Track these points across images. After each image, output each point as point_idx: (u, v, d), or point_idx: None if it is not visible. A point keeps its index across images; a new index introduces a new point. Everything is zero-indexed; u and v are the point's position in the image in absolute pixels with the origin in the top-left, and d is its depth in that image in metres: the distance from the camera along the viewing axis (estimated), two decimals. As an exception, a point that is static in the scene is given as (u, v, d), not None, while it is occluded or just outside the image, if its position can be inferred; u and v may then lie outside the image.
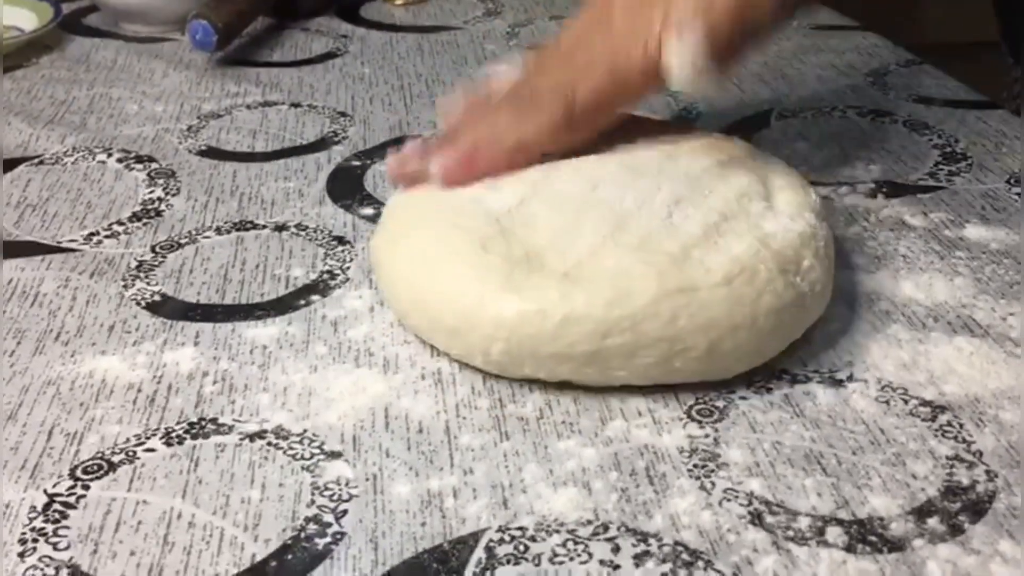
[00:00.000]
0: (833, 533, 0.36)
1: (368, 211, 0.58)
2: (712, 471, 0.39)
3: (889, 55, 0.78)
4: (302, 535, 0.37)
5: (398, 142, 0.66)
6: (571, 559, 0.36)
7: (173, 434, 0.42)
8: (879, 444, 0.40)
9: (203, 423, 0.42)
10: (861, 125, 0.67)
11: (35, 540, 0.37)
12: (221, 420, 0.42)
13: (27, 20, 0.82)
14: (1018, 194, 0.58)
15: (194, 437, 0.42)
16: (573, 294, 0.42)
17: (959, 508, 0.37)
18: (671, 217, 0.45)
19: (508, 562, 0.36)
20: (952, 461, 0.39)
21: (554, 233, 0.45)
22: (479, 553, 0.36)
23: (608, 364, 0.42)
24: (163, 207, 0.59)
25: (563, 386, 0.43)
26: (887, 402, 0.42)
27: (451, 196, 0.48)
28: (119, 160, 0.65)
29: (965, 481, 0.38)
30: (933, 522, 0.37)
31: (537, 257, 0.44)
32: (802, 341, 0.45)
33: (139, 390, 0.44)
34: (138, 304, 0.50)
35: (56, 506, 0.38)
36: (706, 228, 0.45)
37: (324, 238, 0.55)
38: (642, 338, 0.42)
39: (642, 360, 0.42)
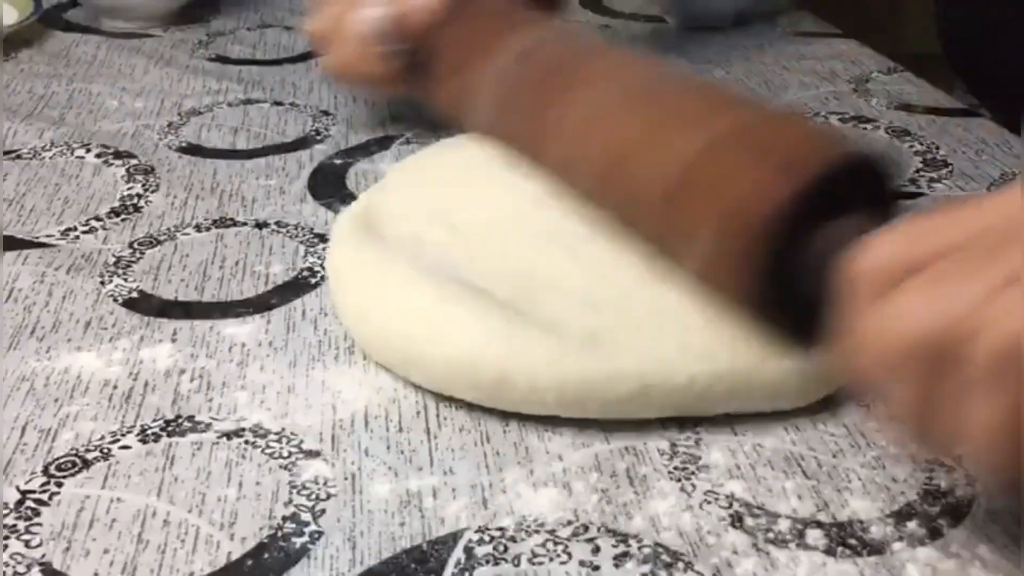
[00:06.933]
0: (813, 535, 0.36)
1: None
2: (693, 473, 0.39)
3: (871, 63, 0.78)
4: (279, 534, 0.37)
5: (381, 141, 0.65)
6: (551, 560, 0.35)
7: (149, 431, 0.41)
8: (859, 447, 0.40)
9: (179, 421, 0.42)
10: (843, 131, 0.67)
11: (7, 537, 0.36)
12: (198, 418, 0.42)
13: (7, 14, 0.81)
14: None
15: (170, 435, 0.41)
16: (591, 368, 0.40)
17: (939, 512, 0.37)
18: None
19: (487, 562, 0.35)
20: (932, 465, 0.39)
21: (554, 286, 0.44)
22: (458, 553, 0.36)
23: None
24: (142, 203, 0.58)
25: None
26: (867, 405, 0.43)
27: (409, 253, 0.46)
28: (98, 156, 0.64)
29: (944, 485, 0.39)
30: (913, 525, 0.37)
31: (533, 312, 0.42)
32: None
33: (115, 387, 0.44)
34: (115, 300, 0.50)
35: (29, 503, 0.38)
36: None
37: (305, 236, 0.55)
38: (667, 408, 0.41)
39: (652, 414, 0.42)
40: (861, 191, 0.39)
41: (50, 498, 0.38)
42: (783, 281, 0.38)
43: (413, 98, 0.63)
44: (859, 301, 0.34)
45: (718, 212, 0.40)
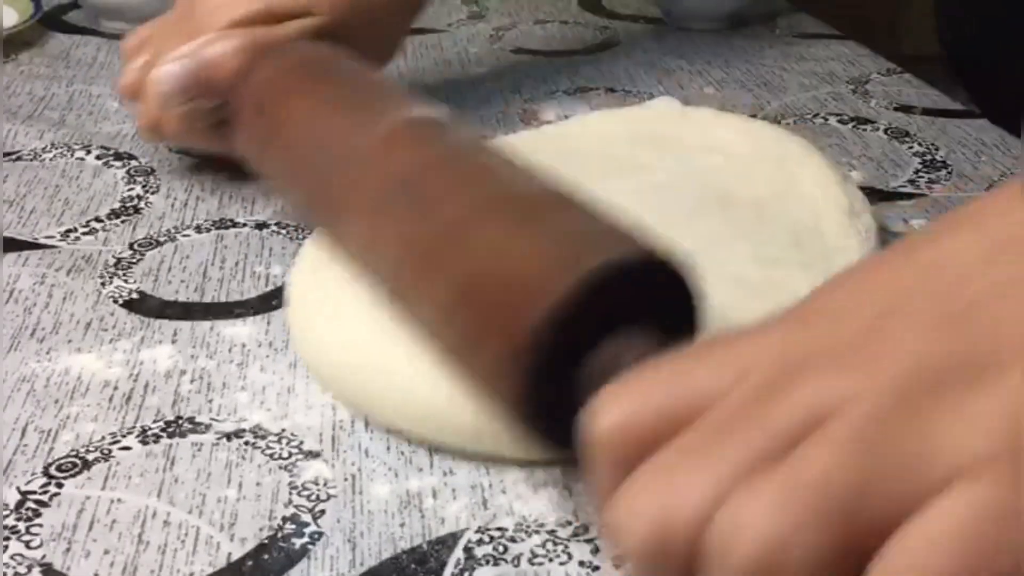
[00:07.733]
0: (813, 536, 0.36)
1: (349, 211, 0.57)
2: (692, 473, 0.39)
3: (870, 64, 0.78)
4: (279, 535, 0.37)
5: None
6: (551, 560, 0.36)
7: (149, 432, 0.41)
8: (859, 448, 0.40)
9: (180, 422, 0.42)
10: (842, 132, 0.67)
11: (7, 538, 0.36)
12: (198, 419, 0.42)
13: (7, 16, 0.82)
14: (997, 202, 0.58)
15: (170, 436, 0.41)
16: None
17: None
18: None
19: (487, 563, 0.35)
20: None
21: None
22: (458, 554, 0.36)
23: None
24: (142, 204, 0.58)
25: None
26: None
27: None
28: (98, 157, 0.64)
29: (944, 485, 0.39)
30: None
31: None
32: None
33: (115, 388, 0.44)
34: (115, 301, 0.50)
35: (29, 504, 0.38)
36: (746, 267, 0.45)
37: (305, 236, 0.55)
38: None
39: None
40: (659, 296, 0.33)
41: (50, 499, 0.38)
42: (557, 401, 0.32)
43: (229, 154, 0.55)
44: (601, 476, 0.28)
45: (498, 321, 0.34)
